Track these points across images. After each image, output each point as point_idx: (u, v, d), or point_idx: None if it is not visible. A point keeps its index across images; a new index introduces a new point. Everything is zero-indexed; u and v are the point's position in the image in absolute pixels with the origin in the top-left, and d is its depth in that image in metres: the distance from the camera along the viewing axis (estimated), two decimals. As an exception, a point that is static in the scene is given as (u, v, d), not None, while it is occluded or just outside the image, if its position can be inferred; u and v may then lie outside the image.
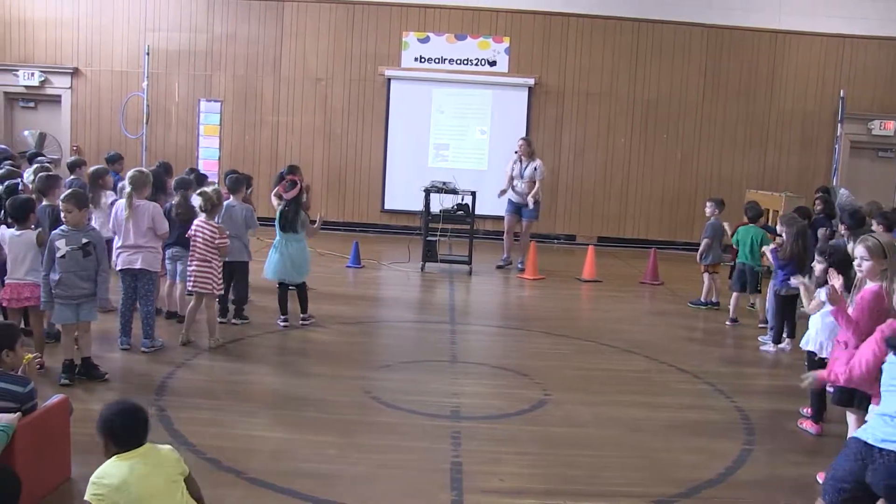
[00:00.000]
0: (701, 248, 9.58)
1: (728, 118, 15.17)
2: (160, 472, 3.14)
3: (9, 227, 6.04)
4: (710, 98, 15.12)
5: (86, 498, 3.10)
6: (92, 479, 3.11)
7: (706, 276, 9.71)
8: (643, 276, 11.54)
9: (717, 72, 15.06)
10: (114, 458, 3.14)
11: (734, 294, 8.85)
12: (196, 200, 6.88)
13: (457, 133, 15.20)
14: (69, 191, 6.01)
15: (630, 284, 11.27)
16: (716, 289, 9.70)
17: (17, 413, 3.65)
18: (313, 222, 7.89)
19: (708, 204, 9.91)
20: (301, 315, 7.77)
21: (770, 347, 7.71)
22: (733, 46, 14.99)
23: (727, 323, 8.81)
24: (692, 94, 15.11)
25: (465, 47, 15.03)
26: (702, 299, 9.73)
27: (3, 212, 7.09)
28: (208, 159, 15.11)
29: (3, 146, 10.16)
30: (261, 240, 10.49)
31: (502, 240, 12.05)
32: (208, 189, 7.02)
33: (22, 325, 5.96)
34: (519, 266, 11.74)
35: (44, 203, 6.55)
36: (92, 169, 8.35)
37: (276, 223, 7.75)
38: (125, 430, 3.16)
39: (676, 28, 14.94)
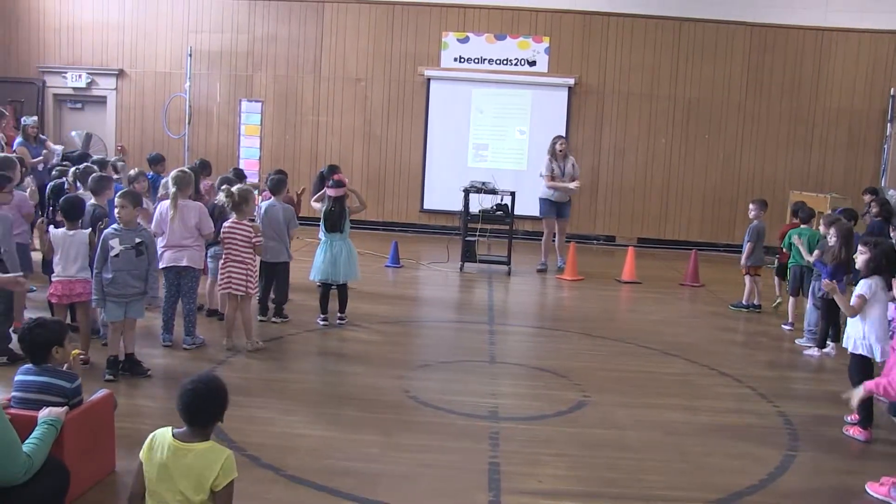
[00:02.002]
0: (746, 252, 9.45)
1: (771, 118, 14.93)
2: (191, 478, 3.06)
3: (57, 225, 6.17)
4: (753, 97, 14.90)
5: (140, 454, 3.16)
6: (150, 435, 3.17)
7: (748, 279, 9.57)
8: (684, 277, 11.41)
9: (760, 70, 14.83)
10: (169, 427, 3.16)
11: (791, 298, 8.69)
12: (220, 196, 6.87)
13: (496, 133, 15.18)
14: (125, 189, 6.13)
15: (670, 286, 11.16)
16: (758, 291, 9.56)
17: (65, 408, 3.72)
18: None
19: (752, 206, 9.77)
20: (339, 314, 7.81)
21: (814, 352, 7.57)
22: (777, 44, 14.75)
23: (784, 327, 8.67)
24: (735, 93, 14.91)
25: (504, 47, 15.00)
26: (743, 302, 9.59)
27: (50, 210, 7.26)
28: (249, 159, 15.29)
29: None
30: (300, 239, 10.57)
31: (541, 240, 11.96)
32: (236, 187, 7.02)
33: (67, 321, 6.07)
34: (560, 266, 11.67)
35: (91, 202, 6.66)
36: (132, 172, 8.45)
37: (322, 224, 7.80)
38: (184, 403, 3.11)
39: (719, 27, 14.75)
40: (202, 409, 3.13)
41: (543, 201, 11.62)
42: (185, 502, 3.04)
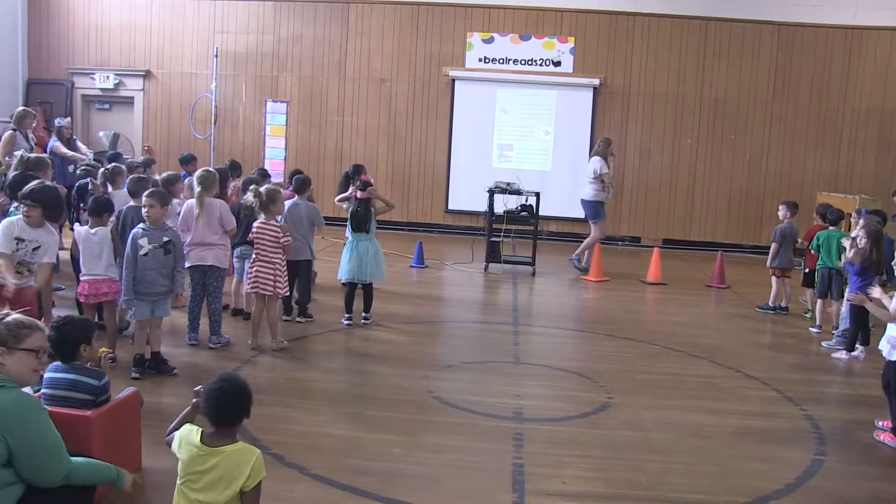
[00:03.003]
0: (771, 253, 9.35)
1: (799, 118, 14.77)
2: (214, 479, 3.08)
3: (82, 224, 6.24)
4: (781, 97, 14.75)
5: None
6: (180, 430, 3.22)
7: (775, 280, 9.47)
8: (709, 279, 11.31)
9: (787, 70, 14.68)
10: (196, 427, 3.18)
11: (819, 300, 8.58)
12: (247, 196, 6.91)
13: (521, 134, 15.15)
14: (153, 189, 6.19)
15: (696, 288, 11.07)
16: (786, 294, 9.46)
17: (133, 477, 3.71)
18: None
19: (781, 207, 9.66)
20: (363, 314, 7.83)
21: (843, 355, 7.47)
22: (805, 44, 14.59)
23: (812, 329, 8.56)
24: (761, 93, 14.76)
25: (529, 47, 14.96)
26: (770, 304, 9.49)
27: (75, 211, 7.34)
28: (274, 159, 15.38)
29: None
30: (325, 238, 10.61)
31: (566, 241, 11.93)
32: (262, 187, 7.07)
33: (94, 320, 6.13)
34: (584, 266, 11.61)
35: (131, 203, 6.71)
36: (165, 176, 8.48)
37: (348, 223, 7.84)
38: (211, 404, 3.14)
39: (745, 26, 14.62)
40: (230, 409, 3.15)
41: (600, 204, 11.55)
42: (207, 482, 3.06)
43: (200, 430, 3.16)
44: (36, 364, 3.33)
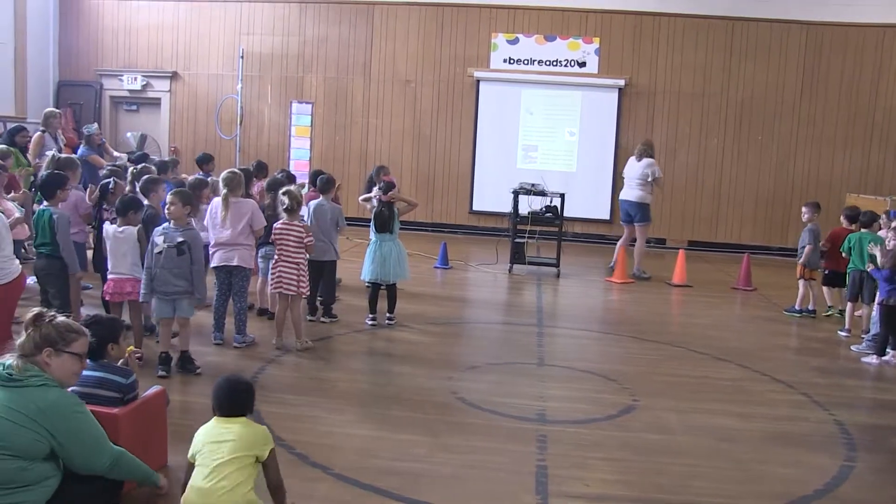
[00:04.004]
0: (805, 254, 9.24)
1: (827, 118, 14.59)
2: (236, 439, 3.39)
3: (111, 223, 6.31)
4: (809, 97, 14.58)
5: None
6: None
7: (801, 283, 9.36)
8: (736, 281, 11.21)
9: (816, 70, 14.50)
10: (213, 418, 3.51)
11: (849, 304, 8.48)
12: (283, 199, 6.95)
13: (546, 134, 15.11)
14: (178, 188, 6.25)
15: (722, 290, 10.97)
16: (812, 296, 9.35)
17: (166, 481, 3.85)
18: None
19: (804, 209, 9.55)
20: (387, 314, 7.84)
21: (873, 359, 7.36)
22: (834, 43, 14.41)
23: (841, 333, 8.45)
24: (789, 93, 14.60)
25: (554, 48, 14.92)
26: (796, 307, 9.38)
27: (100, 209, 7.42)
28: (299, 160, 15.46)
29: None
30: (349, 239, 10.64)
31: (591, 242, 11.88)
32: (292, 187, 7.14)
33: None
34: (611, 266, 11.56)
35: (146, 203, 6.80)
36: (193, 179, 8.54)
37: (372, 224, 7.86)
38: (219, 395, 3.53)
39: (773, 25, 14.47)
40: (235, 399, 3.52)
41: (649, 207, 11.52)
42: (240, 458, 3.35)
43: None
44: (79, 368, 3.49)
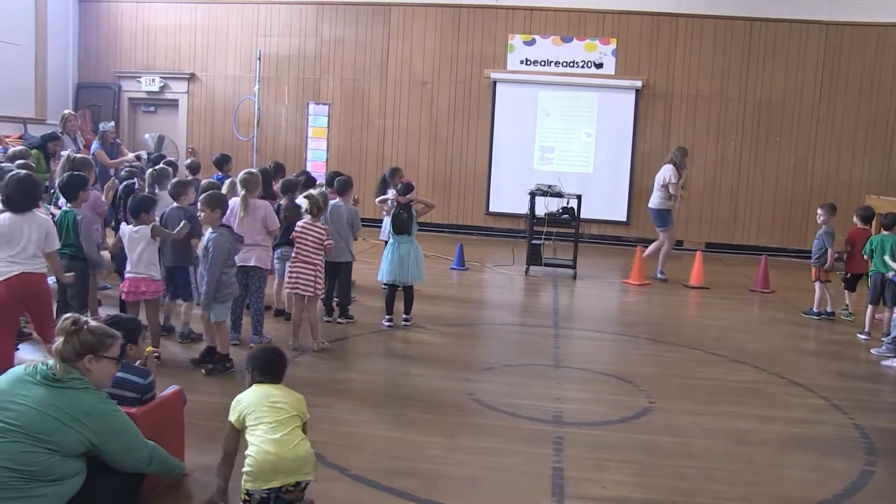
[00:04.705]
0: (830, 258, 9.15)
1: (847, 119, 14.47)
2: (288, 401, 3.72)
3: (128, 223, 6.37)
4: (828, 98, 14.47)
5: (228, 419, 3.71)
6: (233, 402, 3.74)
7: (817, 286, 9.30)
8: (753, 283, 11.15)
9: (835, 71, 14.39)
10: (253, 385, 3.77)
11: (869, 306, 8.40)
12: (302, 203, 7.01)
13: (562, 136, 15.09)
14: (205, 193, 6.28)
15: (739, 292, 10.92)
16: (829, 298, 9.28)
17: (184, 466, 4.02)
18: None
19: (820, 210, 9.48)
20: (404, 315, 7.86)
21: (894, 363, 7.30)
22: (854, 43, 14.29)
23: (860, 336, 8.36)
24: (808, 94, 14.50)
25: (571, 49, 14.89)
26: (814, 309, 9.32)
27: (121, 210, 7.48)
28: (316, 161, 15.51)
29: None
30: (366, 240, 10.66)
31: (607, 244, 11.85)
32: (314, 191, 7.18)
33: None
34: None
35: (174, 205, 6.83)
36: (205, 184, 8.56)
37: (390, 226, 7.88)
38: (264, 363, 3.84)
39: (791, 26, 14.38)
40: (274, 364, 3.88)
41: (667, 212, 11.41)
42: (294, 417, 3.68)
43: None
44: (114, 371, 3.62)
